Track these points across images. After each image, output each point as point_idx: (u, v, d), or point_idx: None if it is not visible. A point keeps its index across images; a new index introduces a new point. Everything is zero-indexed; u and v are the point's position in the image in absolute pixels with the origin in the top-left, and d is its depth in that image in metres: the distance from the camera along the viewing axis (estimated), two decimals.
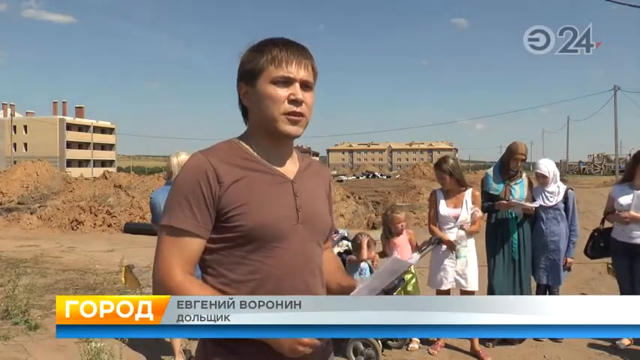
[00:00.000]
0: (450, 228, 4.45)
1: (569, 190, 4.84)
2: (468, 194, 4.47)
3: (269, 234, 1.37)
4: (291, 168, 1.49)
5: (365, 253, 4.57)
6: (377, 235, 5.32)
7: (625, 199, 4.60)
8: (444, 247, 4.41)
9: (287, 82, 1.40)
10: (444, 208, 4.48)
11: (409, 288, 4.79)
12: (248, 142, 1.47)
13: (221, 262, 1.39)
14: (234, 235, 1.36)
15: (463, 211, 4.42)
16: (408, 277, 4.71)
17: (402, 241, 4.73)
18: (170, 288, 1.32)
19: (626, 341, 4.64)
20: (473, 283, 4.43)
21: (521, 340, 4.75)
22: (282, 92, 1.39)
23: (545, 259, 4.75)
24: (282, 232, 1.39)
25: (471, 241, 4.52)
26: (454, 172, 4.44)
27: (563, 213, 4.77)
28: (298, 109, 1.40)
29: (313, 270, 1.46)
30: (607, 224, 4.90)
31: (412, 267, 4.75)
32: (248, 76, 1.44)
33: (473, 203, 4.45)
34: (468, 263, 4.44)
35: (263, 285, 1.36)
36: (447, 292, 4.58)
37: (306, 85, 1.43)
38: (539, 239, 4.74)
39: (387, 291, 4.75)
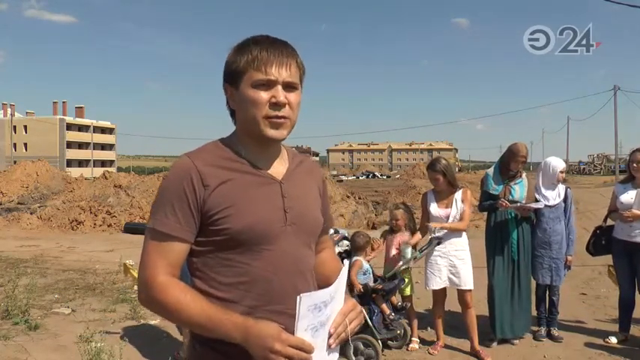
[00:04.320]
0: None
1: (568, 189, 4.89)
2: (458, 194, 4.49)
3: (256, 236, 1.35)
4: (279, 168, 1.46)
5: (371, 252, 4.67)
6: (376, 234, 5.32)
7: (626, 197, 4.63)
8: (435, 242, 4.41)
9: (268, 84, 1.36)
10: (436, 208, 4.50)
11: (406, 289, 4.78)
12: (235, 143, 1.44)
13: (209, 264, 1.37)
14: (222, 239, 1.35)
15: (453, 210, 4.44)
16: (407, 279, 4.71)
17: (400, 239, 4.75)
18: (152, 289, 1.32)
19: (613, 339, 4.73)
20: (467, 281, 4.44)
21: (520, 340, 4.76)
22: (264, 95, 1.36)
23: (548, 259, 4.75)
24: (270, 234, 1.37)
25: (465, 240, 4.53)
26: (447, 172, 4.45)
27: (563, 212, 4.80)
28: (280, 113, 1.36)
29: (304, 272, 1.43)
30: (610, 222, 4.92)
31: (410, 268, 4.76)
32: (231, 77, 1.41)
33: (462, 201, 4.46)
34: (462, 262, 4.44)
35: (252, 288, 1.35)
36: (443, 292, 4.59)
37: (289, 86, 1.38)
38: (542, 239, 4.75)
39: (388, 291, 4.74)
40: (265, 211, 1.37)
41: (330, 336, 1.30)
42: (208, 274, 1.37)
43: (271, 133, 1.37)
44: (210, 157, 1.40)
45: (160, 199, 1.38)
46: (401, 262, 4.52)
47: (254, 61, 1.36)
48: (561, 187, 4.83)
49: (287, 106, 1.37)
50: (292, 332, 1.23)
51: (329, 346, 1.29)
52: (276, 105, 1.36)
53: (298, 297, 1.20)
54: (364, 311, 4.29)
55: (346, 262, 1.46)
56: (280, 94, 1.36)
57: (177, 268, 1.37)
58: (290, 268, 1.39)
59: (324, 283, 1.51)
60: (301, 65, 1.43)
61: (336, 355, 1.36)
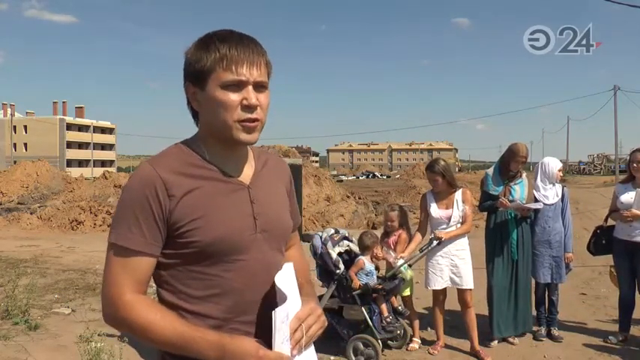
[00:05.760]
0: (444, 229, 4.46)
1: (564, 188, 4.96)
2: (458, 194, 4.49)
3: (227, 248, 1.29)
4: (247, 172, 1.39)
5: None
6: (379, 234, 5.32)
7: (626, 197, 4.65)
8: (435, 242, 4.41)
9: (239, 85, 1.27)
10: (436, 210, 4.50)
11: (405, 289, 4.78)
12: (200, 147, 1.35)
13: (177, 277, 1.30)
14: (190, 251, 1.27)
15: (454, 211, 4.44)
16: (407, 279, 4.71)
17: (393, 240, 4.76)
18: (119, 309, 1.25)
19: (613, 339, 4.75)
20: (468, 281, 4.44)
21: (520, 340, 4.76)
22: (235, 97, 1.27)
23: (548, 257, 4.77)
24: (241, 244, 1.31)
25: (465, 240, 4.53)
26: (446, 173, 4.45)
27: (560, 210, 4.84)
28: (253, 115, 1.29)
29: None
30: (610, 222, 4.94)
31: (409, 270, 4.75)
32: (195, 77, 1.30)
33: (463, 202, 4.46)
34: (463, 262, 4.45)
35: (223, 300, 1.30)
36: (444, 291, 4.59)
37: (260, 86, 1.30)
38: (541, 238, 4.77)
39: (388, 291, 4.75)
40: (235, 220, 1.31)
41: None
42: (177, 286, 1.30)
43: (244, 137, 1.30)
44: (175, 163, 1.31)
45: (122, 211, 1.29)
46: (394, 269, 4.51)
47: (223, 60, 1.26)
48: (558, 186, 4.89)
49: (258, 107, 1.30)
50: (267, 343, 1.20)
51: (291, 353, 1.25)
52: (249, 107, 1.28)
53: (273, 312, 1.17)
54: (364, 311, 4.33)
55: (289, 264, 1.38)
56: (252, 95, 1.28)
57: (144, 284, 1.29)
58: (261, 278, 1.34)
59: None
60: (269, 63, 1.35)
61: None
